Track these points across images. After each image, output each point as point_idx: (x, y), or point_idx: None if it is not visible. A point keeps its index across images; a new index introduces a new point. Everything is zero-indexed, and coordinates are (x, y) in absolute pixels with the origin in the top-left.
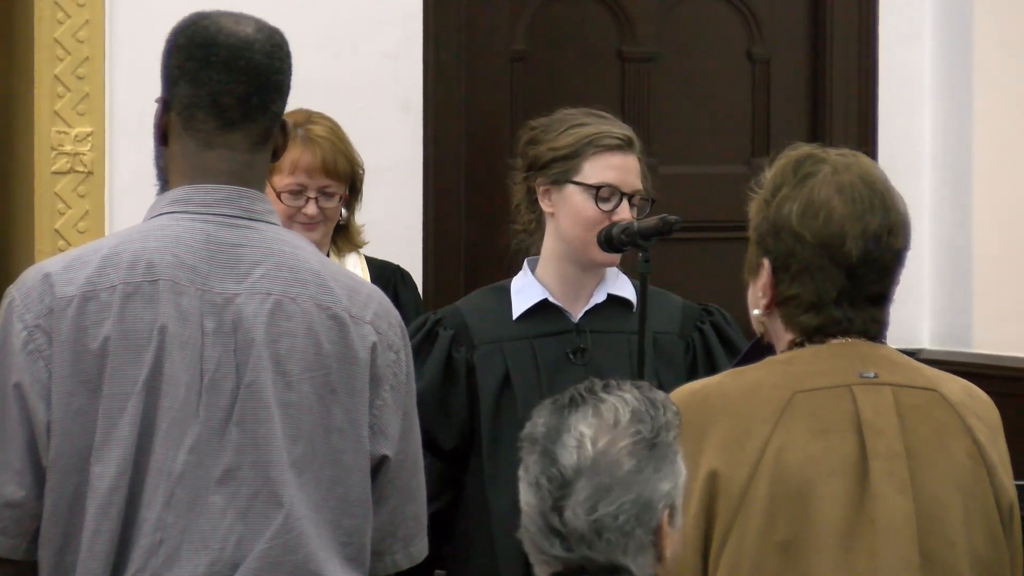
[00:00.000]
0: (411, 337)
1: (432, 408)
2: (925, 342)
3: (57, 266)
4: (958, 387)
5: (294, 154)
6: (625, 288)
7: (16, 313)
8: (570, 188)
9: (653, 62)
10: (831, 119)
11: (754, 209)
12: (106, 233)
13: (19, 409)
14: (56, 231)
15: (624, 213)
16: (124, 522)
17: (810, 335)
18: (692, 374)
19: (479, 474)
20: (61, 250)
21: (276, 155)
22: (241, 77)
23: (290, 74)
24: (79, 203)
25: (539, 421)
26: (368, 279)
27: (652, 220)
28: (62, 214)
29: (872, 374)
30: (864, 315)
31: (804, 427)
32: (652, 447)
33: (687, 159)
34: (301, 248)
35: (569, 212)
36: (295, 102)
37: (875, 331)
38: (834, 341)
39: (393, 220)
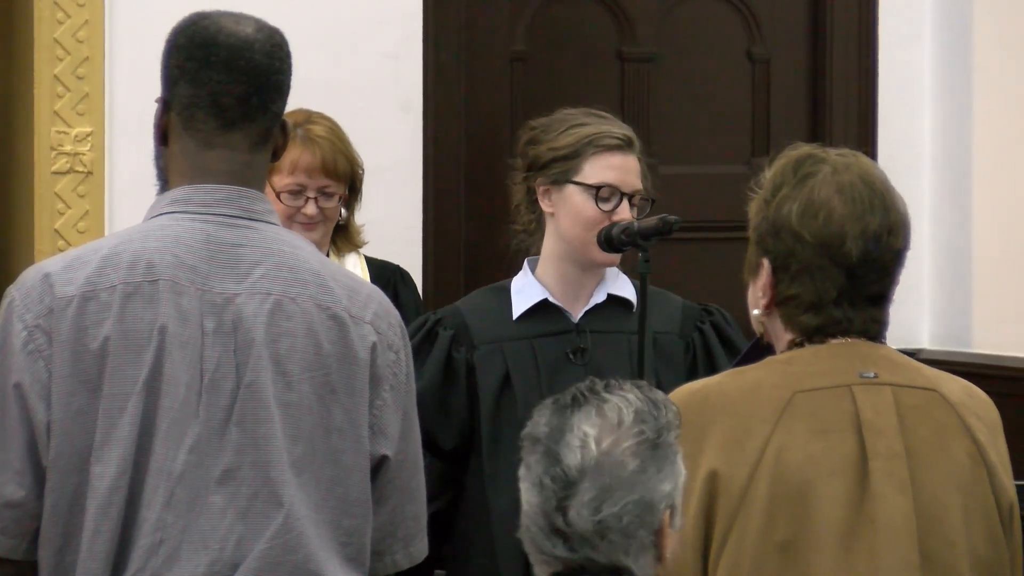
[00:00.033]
0: (411, 337)
1: (432, 408)
2: (925, 342)
3: (57, 266)
4: (958, 387)
5: (294, 154)
6: (625, 288)
7: (16, 313)
8: (570, 188)
9: (653, 62)
10: (831, 119)
11: (754, 209)
12: (106, 233)
13: (19, 409)
14: (56, 231)
15: (624, 213)
16: (124, 522)
17: (810, 335)
18: (692, 374)
19: (479, 474)
20: (61, 250)
21: (276, 155)
22: (241, 77)
23: (290, 74)
24: (79, 203)
25: (541, 421)
26: (368, 279)
27: (652, 220)
28: (62, 214)
29: (872, 374)
30: (864, 315)
31: (804, 427)
32: (655, 447)
33: (687, 159)
34: (301, 248)
35: (569, 212)
36: (295, 102)
37: (875, 331)
38: (834, 341)
39: (393, 220)
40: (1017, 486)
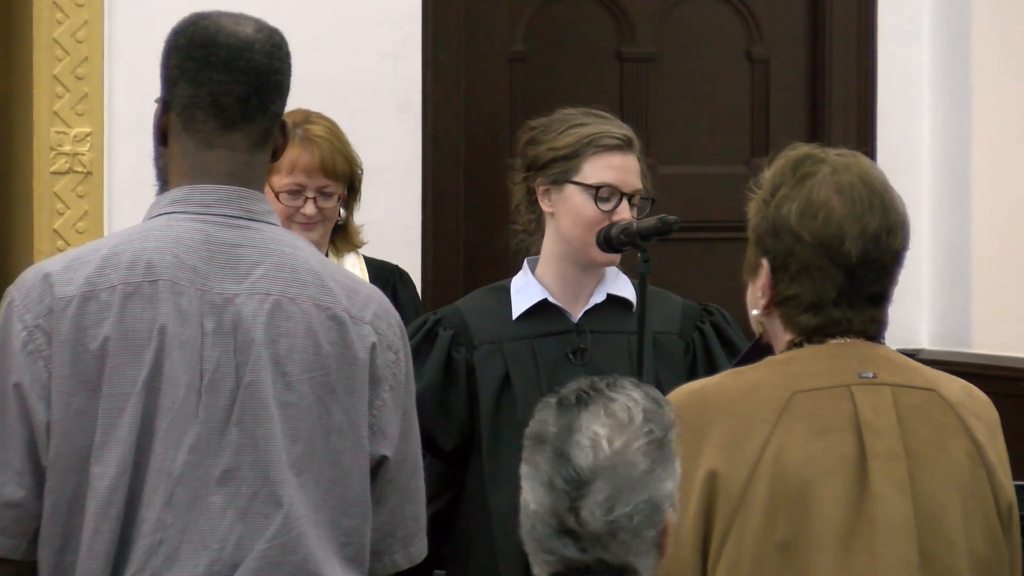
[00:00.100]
0: (411, 337)
1: (432, 408)
2: (924, 342)
3: (57, 266)
4: (957, 387)
5: (292, 154)
6: (625, 288)
7: (16, 313)
8: (570, 188)
9: (652, 62)
10: (830, 119)
11: (753, 209)
12: (105, 233)
13: (19, 409)
14: (55, 231)
15: (624, 213)
16: (124, 522)
17: (809, 335)
18: (692, 374)
19: (479, 474)
20: (60, 250)
21: (276, 155)
22: (241, 77)
23: (290, 74)
24: (78, 203)
25: (548, 420)
26: (367, 279)
27: (651, 220)
28: (61, 214)
29: (871, 374)
30: (863, 315)
31: (803, 427)
32: (661, 446)
33: (686, 159)
34: (300, 248)
35: (569, 212)
36: (294, 102)
37: (874, 331)
38: (833, 341)
39: (392, 220)
40: (1016, 486)
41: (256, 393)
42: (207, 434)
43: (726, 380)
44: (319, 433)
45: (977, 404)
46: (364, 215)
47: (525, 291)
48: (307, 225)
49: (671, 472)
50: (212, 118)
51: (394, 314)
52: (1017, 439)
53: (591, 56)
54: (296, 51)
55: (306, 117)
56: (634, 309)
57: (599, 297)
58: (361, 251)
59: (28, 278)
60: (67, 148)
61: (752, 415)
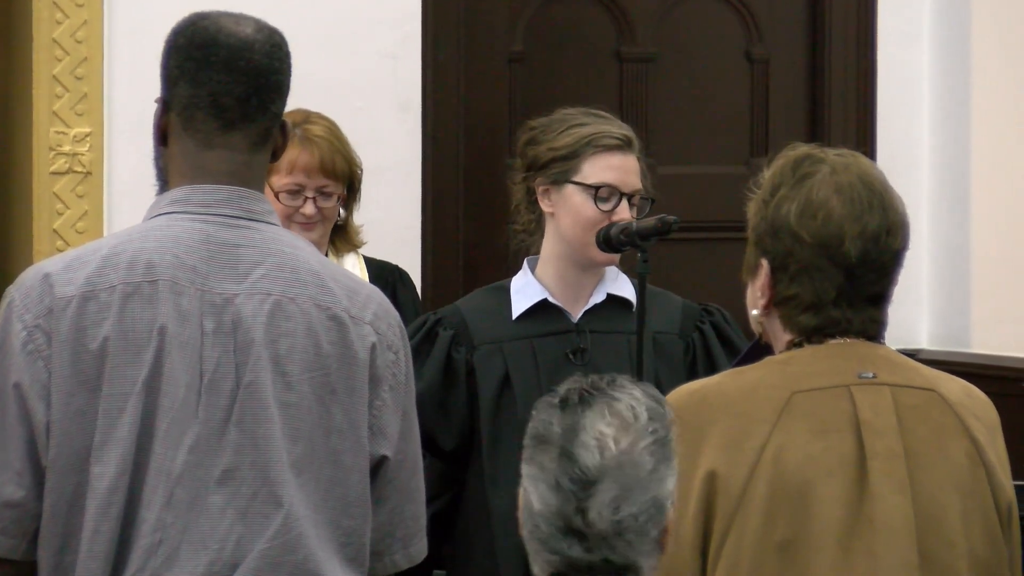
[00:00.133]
0: (411, 337)
1: (432, 408)
2: (924, 342)
3: (57, 266)
4: (957, 387)
5: (292, 154)
6: (625, 288)
7: (16, 313)
8: (569, 188)
9: (652, 63)
10: (830, 119)
11: (752, 209)
12: (105, 233)
13: (19, 409)
14: (55, 231)
15: (623, 213)
16: (123, 522)
17: (809, 335)
18: (692, 374)
19: (479, 474)
20: (60, 250)
21: (276, 155)
22: (241, 77)
23: (290, 74)
24: (77, 203)
25: (551, 420)
26: (367, 279)
27: (651, 220)
28: (60, 214)
29: (871, 374)
30: (863, 315)
31: (803, 427)
32: (664, 445)
33: (686, 159)
34: (301, 248)
35: (568, 212)
36: (294, 102)
37: (874, 331)
38: (833, 341)
39: (392, 220)
40: (1016, 486)
41: (256, 393)
42: (207, 434)
43: (726, 380)
44: (319, 433)
45: (977, 404)
46: (364, 215)
47: (525, 291)
48: (306, 225)
49: (672, 470)
50: (212, 118)
51: (394, 314)
52: (1017, 439)
53: (591, 56)
54: (296, 51)
55: (306, 117)
56: (634, 309)
57: (599, 297)
58: (361, 251)
59: (28, 278)
60: (67, 148)
61: (752, 415)
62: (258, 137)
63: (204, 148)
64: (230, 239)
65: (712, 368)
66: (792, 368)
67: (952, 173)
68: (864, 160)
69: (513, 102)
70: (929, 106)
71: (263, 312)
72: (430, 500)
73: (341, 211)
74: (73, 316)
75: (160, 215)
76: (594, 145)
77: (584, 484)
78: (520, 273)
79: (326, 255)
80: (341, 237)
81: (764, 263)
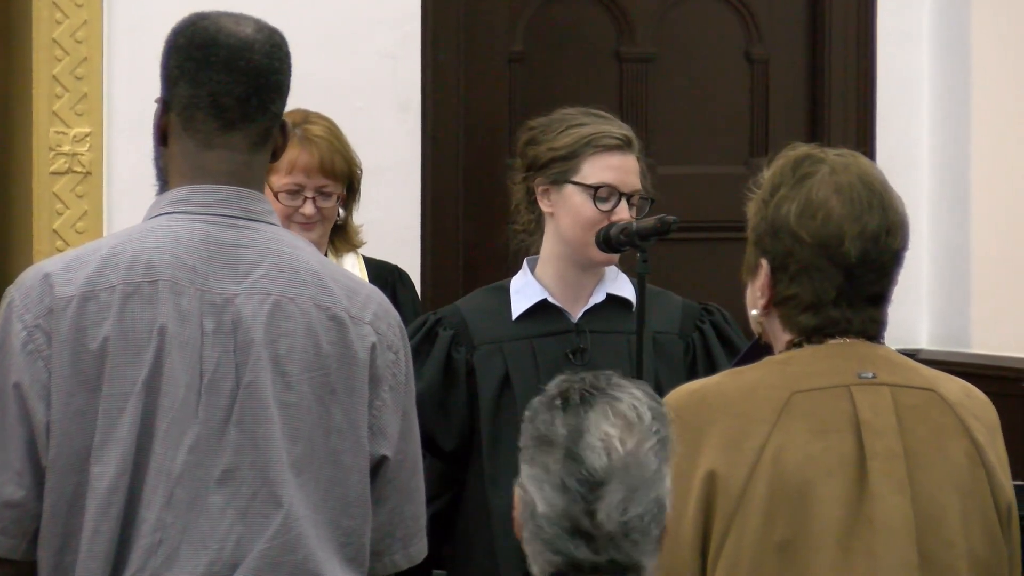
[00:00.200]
0: (411, 337)
1: (432, 408)
2: (923, 342)
3: (56, 266)
4: (956, 387)
5: (291, 154)
6: (625, 288)
7: (16, 313)
8: (569, 188)
9: (651, 63)
10: (829, 120)
11: (752, 209)
12: (104, 233)
13: (19, 409)
14: (54, 231)
15: (623, 213)
16: (123, 522)
17: (808, 335)
18: (692, 374)
19: (479, 474)
20: (59, 250)
21: (276, 155)
22: (241, 77)
23: (290, 74)
24: (77, 203)
25: (553, 421)
26: (366, 279)
27: (650, 220)
28: (60, 214)
29: (870, 374)
30: (862, 315)
31: (802, 427)
32: (665, 445)
33: (685, 159)
34: (300, 249)
35: (568, 212)
36: (294, 102)
37: (873, 331)
38: (832, 341)
39: (392, 220)
40: (1015, 486)
41: (256, 393)
42: (207, 434)
43: (725, 380)
44: (319, 433)
45: (976, 404)
46: (363, 215)
47: (525, 291)
48: (306, 225)
49: (670, 469)
50: (212, 118)
51: (394, 314)
52: (1016, 439)
53: (590, 56)
54: (296, 51)
55: (305, 117)
56: (634, 309)
57: (599, 297)
58: (360, 251)
59: (28, 278)
60: (66, 148)
61: (751, 415)
62: (258, 137)
63: (204, 148)
64: (230, 239)
65: (712, 368)
66: (792, 368)
67: (952, 173)
68: (864, 160)
69: (513, 102)
70: (929, 106)
71: (263, 312)
72: (430, 500)
73: (341, 211)
74: (73, 316)
75: (160, 215)
76: (593, 145)
77: (592, 486)
78: (520, 273)
79: (325, 255)
80: (341, 237)
81: (764, 263)
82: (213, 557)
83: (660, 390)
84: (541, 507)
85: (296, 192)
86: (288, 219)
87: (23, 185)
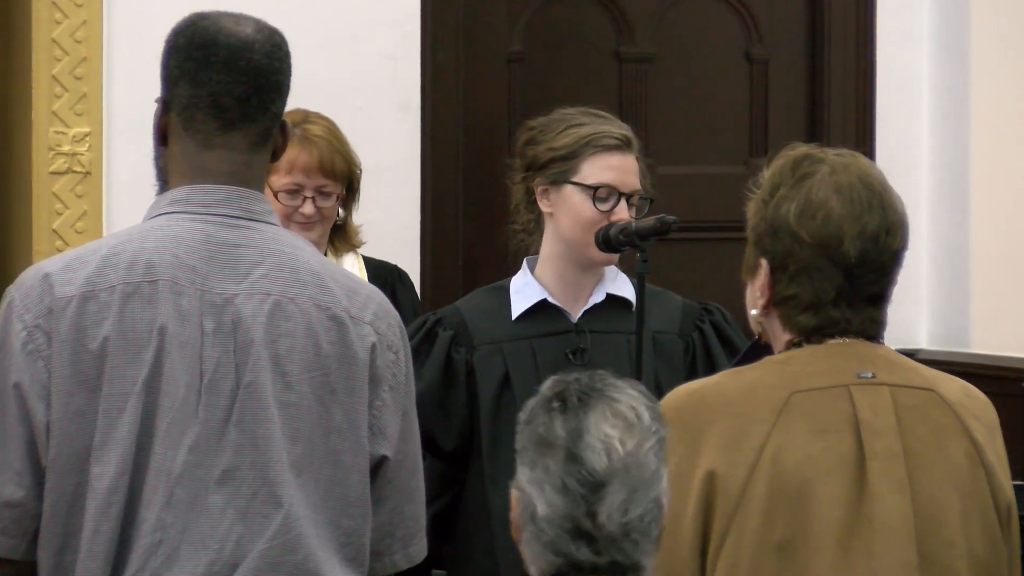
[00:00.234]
0: (411, 338)
1: (432, 409)
2: (923, 342)
3: (56, 266)
4: (956, 387)
5: (291, 154)
6: (624, 288)
7: (16, 313)
8: (568, 188)
9: (651, 63)
10: (829, 120)
11: (752, 209)
12: (104, 233)
13: (19, 409)
14: (54, 231)
15: (622, 213)
16: (123, 522)
17: (808, 335)
18: (691, 373)
19: (479, 474)
20: (59, 250)
21: (276, 155)
22: (241, 77)
23: (290, 74)
24: (77, 203)
25: (552, 423)
26: (366, 279)
27: (650, 220)
28: (60, 214)
29: (870, 374)
30: (862, 315)
31: (802, 427)
32: (663, 445)
33: (685, 160)
34: (301, 249)
35: (567, 212)
36: (294, 102)
37: (873, 331)
38: (832, 341)
39: (391, 220)
40: (1015, 486)
41: (256, 393)
42: (207, 434)
43: (724, 380)
44: (319, 433)
45: (976, 404)
46: (363, 215)
47: (524, 291)
48: (305, 225)
49: (666, 468)
50: (212, 118)
51: (394, 314)
52: (1016, 439)
53: (590, 56)
54: (296, 51)
55: (305, 117)
56: (634, 309)
57: (598, 297)
58: (360, 251)
59: (28, 278)
60: (66, 148)
61: (751, 415)
62: (258, 137)
63: (204, 148)
64: (230, 239)
65: (712, 367)
66: (791, 368)
67: (951, 173)
68: (864, 160)
69: (512, 102)
70: (928, 106)
71: (263, 312)
72: (430, 500)
73: (340, 211)
74: (73, 316)
75: (160, 215)
76: (593, 145)
77: (593, 487)
78: (520, 273)
79: (325, 255)
80: (340, 237)
81: (763, 263)
82: (213, 557)
83: (660, 390)
84: (542, 509)
85: (295, 192)
86: (287, 219)
87: (23, 185)
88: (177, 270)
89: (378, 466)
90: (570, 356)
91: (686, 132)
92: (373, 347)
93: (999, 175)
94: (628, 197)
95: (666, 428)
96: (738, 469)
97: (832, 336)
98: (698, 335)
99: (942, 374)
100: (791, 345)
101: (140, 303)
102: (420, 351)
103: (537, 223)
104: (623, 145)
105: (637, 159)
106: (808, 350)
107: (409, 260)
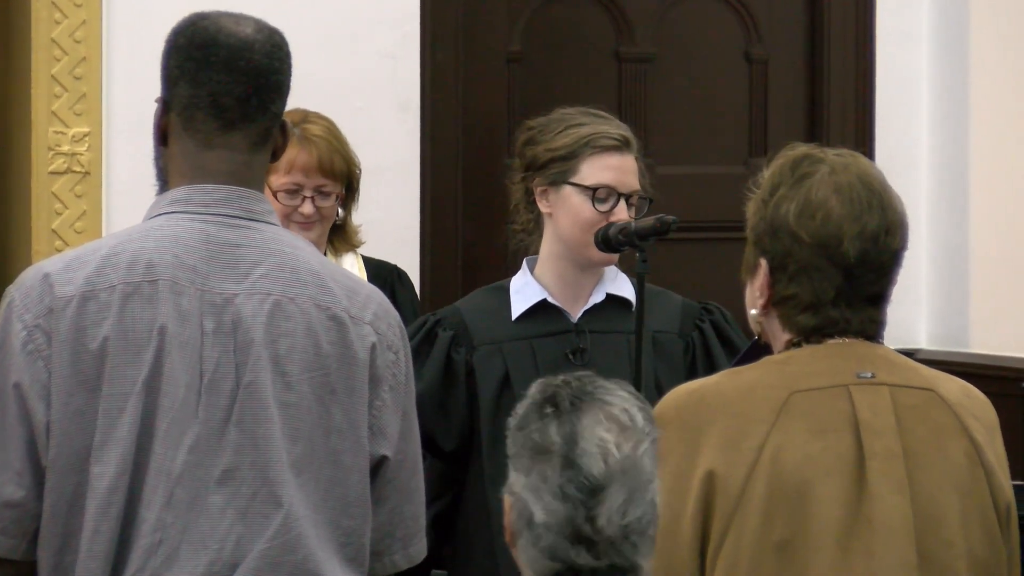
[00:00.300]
0: (410, 338)
1: (432, 409)
2: (922, 342)
3: (56, 266)
4: (956, 387)
5: (290, 153)
6: (624, 287)
7: (16, 313)
8: (567, 189)
9: (650, 63)
10: (829, 120)
11: (751, 209)
12: (103, 233)
13: (19, 409)
14: (53, 231)
15: (621, 213)
16: (123, 522)
17: (807, 335)
18: (691, 373)
19: (479, 475)
20: (58, 250)
21: (276, 155)
22: (241, 77)
23: (290, 74)
24: (76, 203)
25: (547, 429)
26: (365, 279)
27: (649, 220)
28: (59, 214)
29: (869, 374)
30: (862, 315)
31: (801, 427)
32: (656, 446)
33: (685, 160)
34: (301, 248)
35: (567, 213)
36: (294, 102)
37: (872, 331)
38: (831, 341)
39: (391, 220)
40: (1015, 486)
41: (256, 393)
42: (207, 434)
43: (724, 380)
44: (319, 433)
45: (975, 404)
46: (363, 215)
47: (524, 291)
48: (305, 224)
49: (659, 469)
50: (212, 118)
51: (394, 314)
52: (1016, 439)
53: (589, 56)
54: (296, 51)
55: (304, 117)
56: (633, 308)
57: (598, 297)
58: (359, 251)
59: (28, 278)
60: (65, 148)
61: (750, 415)
62: (258, 137)
63: (204, 148)
64: (230, 239)
65: (712, 367)
66: (791, 368)
67: (951, 173)
68: (863, 160)
69: (512, 102)
70: (928, 106)
71: (263, 312)
72: (430, 501)
73: (340, 211)
74: (73, 316)
75: (160, 215)
76: (592, 146)
77: (592, 492)
78: (519, 273)
79: (324, 255)
80: (340, 237)
81: (763, 263)
82: (213, 557)
83: (660, 390)
84: (540, 516)
85: (295, 191)
86: (287, 219)
87: (22, 185)
88: (177, 270)
89: (378, 466)
90: (570, 356)
91: (686, 132)
92: (373, 347)
93: (999, 175)
94: (627, 197)
95: (658, 429)
96: (737, 469)
97: (831, 336)
98: (698, 335)
99: (942, 374)
100: (790, 345)
101: (140, 303)
102: (420, 351)
103: (536, 223)
104: (622, 145)
105: (636, 159)
106: (807, 350)
107: (409, 260)
